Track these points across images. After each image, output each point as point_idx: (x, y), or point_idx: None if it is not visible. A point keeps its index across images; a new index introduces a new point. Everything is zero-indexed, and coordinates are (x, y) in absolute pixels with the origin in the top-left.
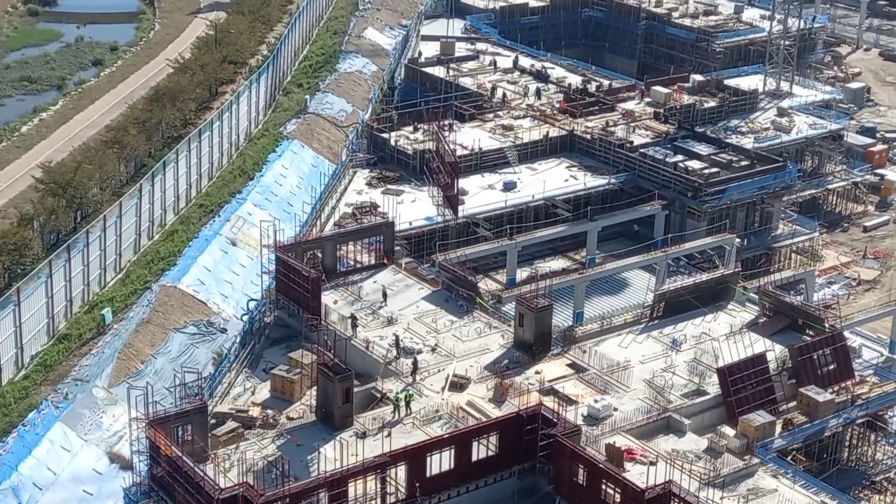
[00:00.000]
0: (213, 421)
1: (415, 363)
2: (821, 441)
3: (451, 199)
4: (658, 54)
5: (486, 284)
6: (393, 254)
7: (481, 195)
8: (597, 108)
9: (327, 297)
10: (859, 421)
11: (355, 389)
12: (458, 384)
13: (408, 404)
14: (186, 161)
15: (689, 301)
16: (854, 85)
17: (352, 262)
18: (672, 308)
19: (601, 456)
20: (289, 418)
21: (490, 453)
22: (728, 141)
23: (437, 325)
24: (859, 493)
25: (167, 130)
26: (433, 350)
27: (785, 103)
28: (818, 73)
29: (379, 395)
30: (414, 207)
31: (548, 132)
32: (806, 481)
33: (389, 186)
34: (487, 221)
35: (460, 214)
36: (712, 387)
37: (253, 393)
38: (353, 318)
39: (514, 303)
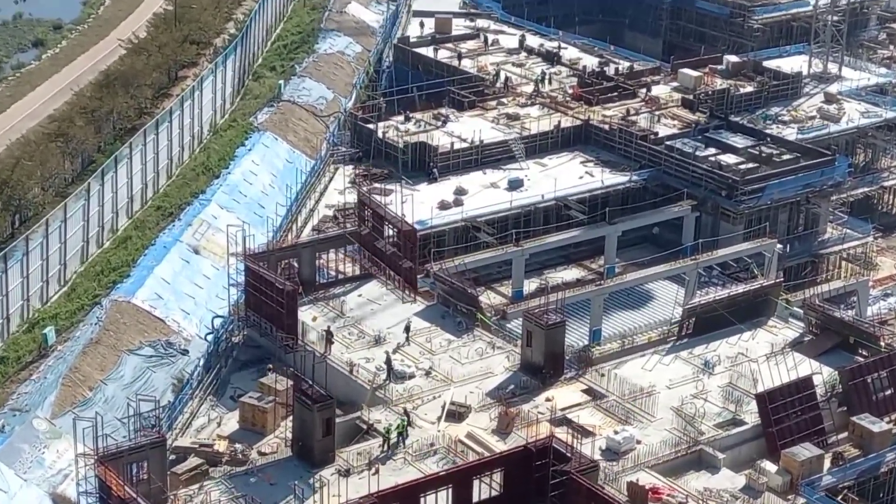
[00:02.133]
0: (172, 457)
1: (388, 362)
2: (876, 478)
3: (410, 275)
4: (686, 32)
5: (488, 298)
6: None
7: (482, 195)
8: (616, 94)
9: (305, 314)
10: None
11: (338, 420)
12: (456, 413)
13: (401, 436)
14: (142, 156)
15: (724, 316)
16: None
17: (333, 273)
18: (704, 325)
19: (622, 496)
20: (260, 453)
21: (494, 493)
22: (768, 132)
23: (431, 345)
24: None
25: (119, 121)
26: (427, 374)
27: (833, 88)
28: (871, 54)
29: (365, 426)
30: (405, 208)
31: (559, 122)
32: None
33: (376, 185)
34: (490, 225)
35: (460, 216)
36: (750, 415)
37: (219, 424)
38: (329, 333)
39: (520, 319)
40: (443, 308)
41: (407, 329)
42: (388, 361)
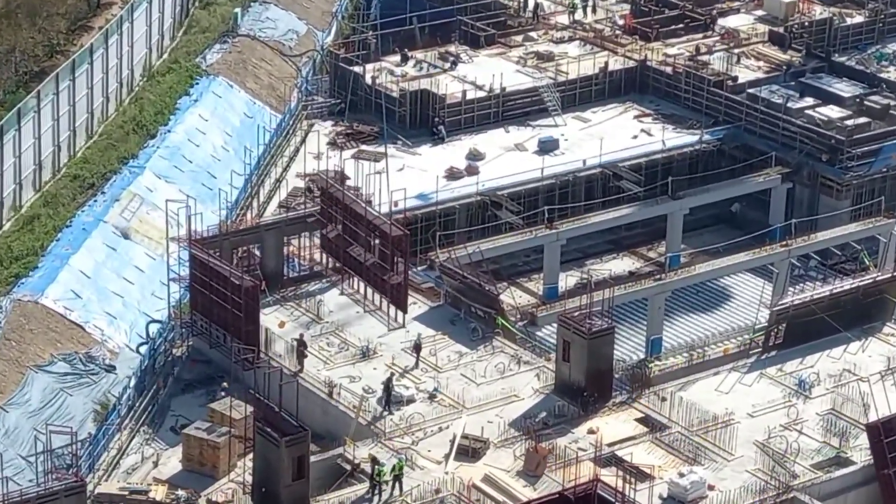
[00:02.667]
0: None
1: (388, 388)
2: None
3: (399, 295)
4: None
5: (512, 296)
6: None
7: (504, 160)
8: (681, 26)
9: (269, 318)
10: None
11: (313, 458)
12: (469, 450)
13: (397, 480)
14: (53, 110)
15: (824, 321)
16: None
17: (306, 264)
18: (798, 332)
19: None
20: (211, 503)
21: None
22: (883, 76)
23: (437, 359)
24: None
25: (23, 63)
26: (431, 398)
27: None
28: None
29: (349, 467)
30: (402, 179)
31: (606, 64)
32: None
33: (364, 148)
34: (514, 201)
35: (475, 189)
36: (859, 452)
37: (156, 464)
38: (301, 343)
39: (555, 325)
40: (452, 310)
41: (417, 349)
42: (388, 388)
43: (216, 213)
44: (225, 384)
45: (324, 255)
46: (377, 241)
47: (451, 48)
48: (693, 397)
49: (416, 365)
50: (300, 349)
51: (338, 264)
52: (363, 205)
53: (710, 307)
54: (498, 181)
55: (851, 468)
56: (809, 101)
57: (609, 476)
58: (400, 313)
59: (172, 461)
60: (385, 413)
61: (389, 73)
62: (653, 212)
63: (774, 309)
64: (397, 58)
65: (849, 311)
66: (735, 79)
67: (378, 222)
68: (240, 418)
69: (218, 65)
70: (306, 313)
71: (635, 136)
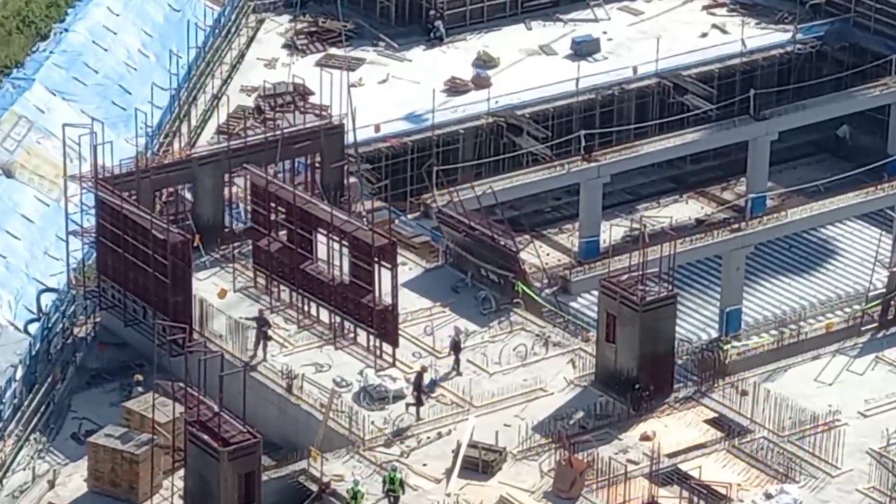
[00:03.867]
0: None
1: (418, 385)
2: None
3: (386, 322)
4: None
5: (536, 254)
6: (342, 193)
7: (525, 67)
8: None
9: (205, 284)
10: None
11: (265, 476)
12: (479, 464)
13: (395, 501)
14: None
15: None
16: None
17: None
18: None
19: None
20: None
21: None
22: None
23: (434, 339)
24: None
25: None
26: (427, 393)
27: None
28: None
29: (318, 487)
30: (386, 94)
31: None
32: None
33: (333, 52)
34: (538, 123)
35: (485, 107)
36: None
37: (52, 484)
38: (262, 320)
39: (595, 293)
40: (455, 273)
41: (456, 347)
42: (419, 383)
43: (131, 141)
44: (138, 377)
45: (257, 277)
46: (352, 253)
47: None
48: (784, 390)
49: (456, 369)
50: (262, 327)
51: (282, 287)
52: (325, 207)
53: (808, 268)
54: (517, 97)
55: None
56: None
57: (670, 498)
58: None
59: (74, 480)
60: (416, 420)
61: None
62: (729, 137)
63: (895, 269)
64: None
65: None
66: None
67: (349, 228)
68: (166, 422)
69: None
70: (256, 279)
71: (704, 35)
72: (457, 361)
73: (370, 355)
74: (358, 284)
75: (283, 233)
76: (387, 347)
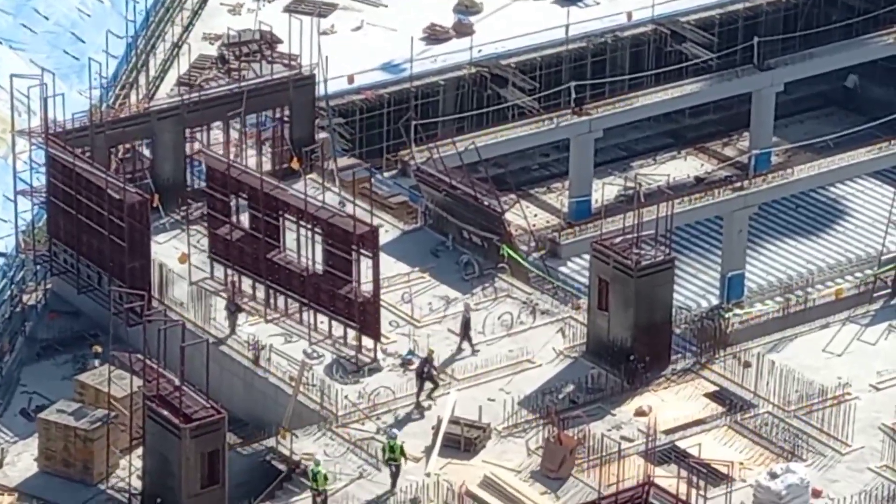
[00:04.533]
0: None
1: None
2: None
3: (369, 317)
4: None
5: (523, 215)
6: (313, 150)
7: (510, 13)
8: None
9: (165, 248)
10: None
11: (231, 454)
12: (462, 441)
13: (396, 471)
14: None
15: None
16: None
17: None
18: None
19: None
20: None
21: None
22: None
23: (413, 307)
24: None
25: None
26: (405, 366)
27: None
28: None
29: (287, 466)
30: (360, 43)
31: None
32: None
33: None
34: (525, 74)
35: (467, 56)
36: None
37: (0, 464)
38: (234, 293)
39: (586, 257)
40: (435, 236)
41: (466, 325)
42: (428, 365)
43: (85, 94)
44: (97, 347)
45: (214, 267)
46: (326, 241)
47: None
48: (790, 362)
49: (471, 348)
50: (233, 302)
51: (243, 280)
52: (295, 192)
53: (815, 229)
54: (501, 45)
55: None
56: None
57: (667, 477)
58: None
59: (24, 459)
60: (423, 400)
61: None
62: (731, 89)
63: None
64: None
65: None
66: None
67: (325, 215)
68: (123, 396)
69: None
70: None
71: None
72: (468, 340)
73: (349, 350)
74: (333, 274)
75: (243, 218)
76: (367, 341)
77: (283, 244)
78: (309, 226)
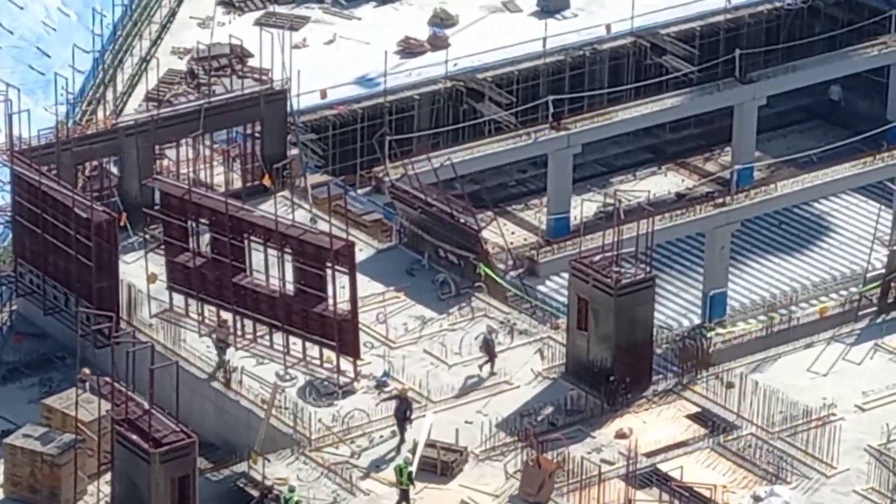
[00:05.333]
0: None
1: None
2: None
3: (348, 335)
4: None
5: (500, 233)
6: (286, 167)
7: (487, 25)
8: None
9: (133, 268)
10: None
11: (202, 480)
12: (438, 465)
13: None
14: None
15: None
16: None
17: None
18: None
19: None
20: None
21: None
22: None
23: (388, 327)
24: None
25: None
26: (380, 386)
27: None
28: None
29: (260, 491)
30: (333, 56)
31: None
32: None
33: (275, 9)
34: (502, 88)
35: (443, 70)
36: None
37: None
38: (221, 328)
39: (566, 275)
40: (410, 254)
41: (488, 345)
42: (406, 409)
43: (51, 109)
44: (86, 370)
45: (173, 298)
46: (297, 259)
47: None
48: (774, 382)
49: (489, 366)
50: (220, 339)
51: (208, 307)
52: (263, 213)
53: (799, 246)
54: (477, 59)
55: None
56: None
57: (649, 501)
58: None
59: None
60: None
61: None
62: (712, 103)
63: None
64: None
65: None
66: None
67: (295, 232)
68: (91, 421)
69: None
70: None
71: None
72: (491, 364)
73: (330, 372)
74: (307, 293)
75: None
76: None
77: (249, 267)
78: (279, 245)
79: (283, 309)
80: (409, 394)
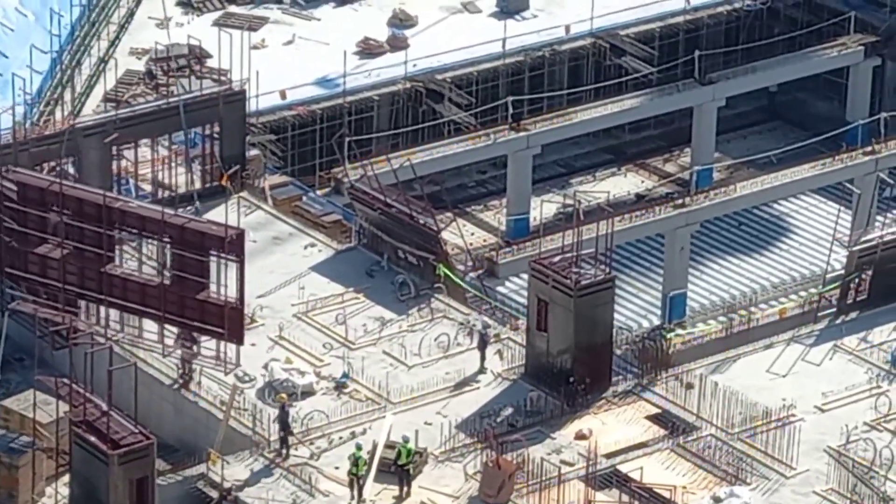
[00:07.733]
0: None
1: (284, 418)
2: None
3: (230, 318)
4: None
5: (460, 234)
6: (244, 167)
7: (447, 26)
8: None
9: None
10: None
11: (160, 481)
12: (399, 466)
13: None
14: None
15: None
16: None
17: (146, 189)
18: (890, 283)
19: None
20: None
21: None
22: None
23: (347, 328)
24: None
25: None
26: (339, 388)
27: None
28: None
29: (219, 493)
30: (292, 57)
31: None
32: None
33: (233, 10)
34: (461, 89)
35: (402, 71)
36: None
37: None
38: (188, 357)
39: (525, 276)
40: (369, 255)
41: (482, 342)
42: (284, 420)
43: (8, 111)
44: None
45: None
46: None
47: None
48: (734, 383)
49: (482, 369)
50: (187, 351)
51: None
52: (131, 202)
53: (759, 247)
54: (437, 59)
55: None
56: None
57: (609, 502)
58: (231, 348)
59: None
60: (283, 452)
61: None
62: (671, 104)
63: (855, 248)
64: None
65: None
66: None
67: (178, 221)
68: (49, 422)
69: None
70: (147, 261)
71: None
72: (482, 359)
73: (216, 361)
74: (186, 280)
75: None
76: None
77: (118, 256)
78: (162, 235)
79: (160, 298)
80: (366, 394)
